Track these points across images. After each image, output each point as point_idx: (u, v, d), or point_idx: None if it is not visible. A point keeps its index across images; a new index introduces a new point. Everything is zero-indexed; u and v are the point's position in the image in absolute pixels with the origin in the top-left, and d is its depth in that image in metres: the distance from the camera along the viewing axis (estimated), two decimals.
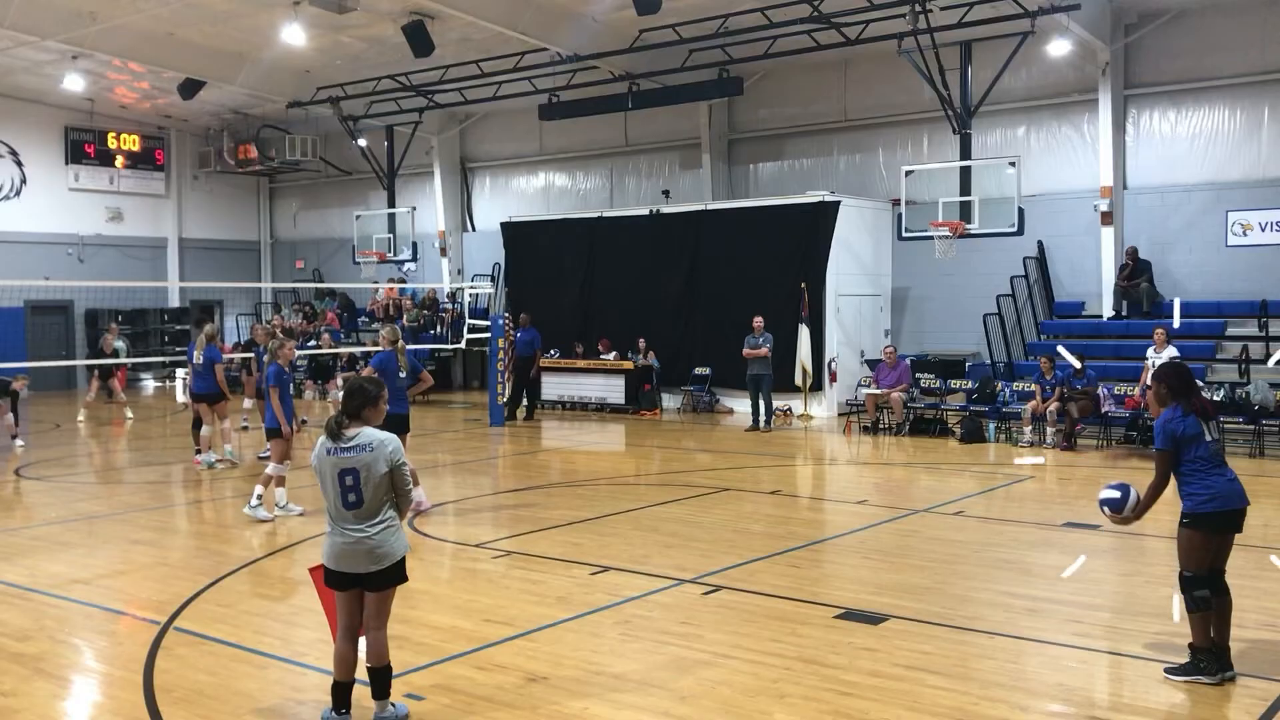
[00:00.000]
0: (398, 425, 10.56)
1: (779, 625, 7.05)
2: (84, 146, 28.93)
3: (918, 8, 17.31)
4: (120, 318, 26.55)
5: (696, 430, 18.77)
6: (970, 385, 17.62)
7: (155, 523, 11.16)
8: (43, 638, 7.02)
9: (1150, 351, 15.33)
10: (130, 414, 20.70)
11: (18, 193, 27.82)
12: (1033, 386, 16.43)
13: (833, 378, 19.77)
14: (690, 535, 9.92)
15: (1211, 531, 6.03)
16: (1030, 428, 16.00)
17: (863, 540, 9.84)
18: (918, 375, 17.93)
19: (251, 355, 17.16)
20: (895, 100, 21.35)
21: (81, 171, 28.95)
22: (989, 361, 19.22)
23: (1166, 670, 6.10)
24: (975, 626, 7.04)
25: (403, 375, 10.90)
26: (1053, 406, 15.73)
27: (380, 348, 11.43)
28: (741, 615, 7.31)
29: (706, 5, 19.08)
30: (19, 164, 27.82)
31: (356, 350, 23.78)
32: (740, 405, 19.83)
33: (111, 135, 29.46)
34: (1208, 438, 6.10)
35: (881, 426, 17.61)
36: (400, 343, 11.18)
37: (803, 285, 19.22)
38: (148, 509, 11.84)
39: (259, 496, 10.83)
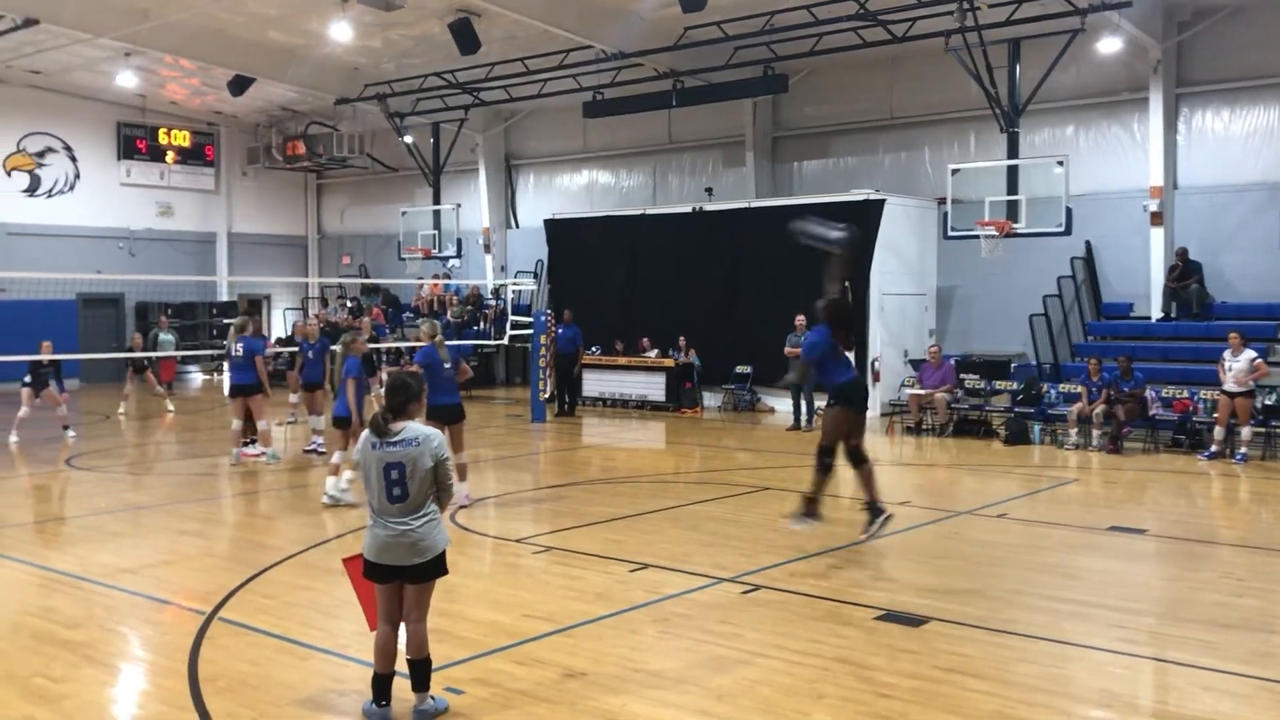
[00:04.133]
0: (451, 415, 10.78)
1: (818, 625, 7.02)
2: (136, 142, 29.40)
3: (965, 5, 17.14)
4: (170, 311, 26.93)
5: (737, 429, 18.73)
6: (1015, 386, 17.44)
7: (201, 514, 11.32)
8: (92, 626, 7.15)
9: (1226, 354, 14.94)
10: (171, 406, 20.95)
11: (71, 187, 28.34)
12: (1079, 388, 16.24)
13: (876, 377, 19.63)
14: (730, 534, 9.91)
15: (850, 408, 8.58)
16: (1076, 430, 15.81)
17: (904, 541, 9.77)
18: (962, 376, 17.78)
19: (296, 349, 17.32)
20: (942, 98, 21.17)
21: (133, 167, 29.43)
22: (1035, 363, 19.01)
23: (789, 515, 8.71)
24: (1017, 630, 6.97)
25: (447, 366, 10.98)
26: (1099, 409, 15.53)
27: (421, 343, 11.53)
28: (781, 615, 7.29)
29: (752, 3, 19.01)
30: (73, 159, 28.34)
31: (401, 345, 23.95)
32: (781, 404, 19.76)
33: (162, 131, 29.91)
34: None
35: (925, 427, 17.48)
36: (439, 336, 11.26)
37: (846, 284, 19.08)
38: (193, 500, 12.01)
39: (345, 481, 11.10)
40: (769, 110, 23.66)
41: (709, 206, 22.38)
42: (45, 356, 16.69)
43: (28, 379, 16.62)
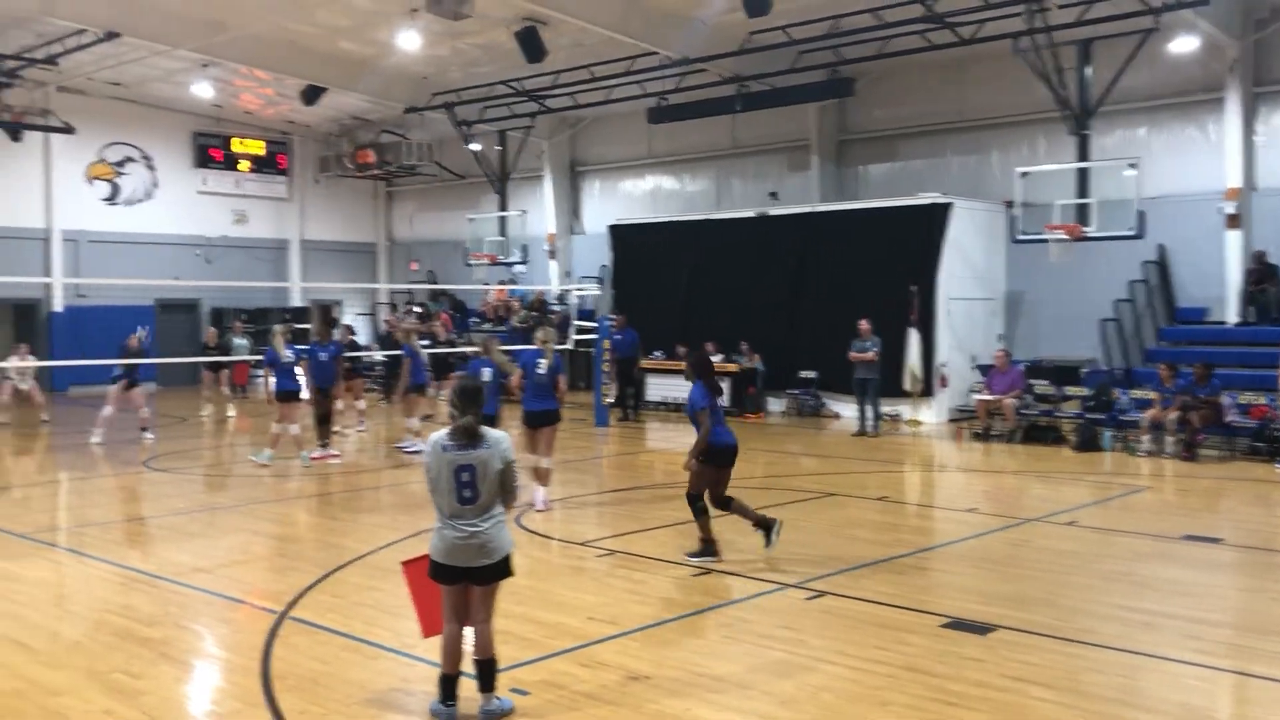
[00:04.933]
0: (547, 420, 11.08)
1: (883, 633, 6.98)
2: (211, 151, 30.08)
3: (1034, 7, 16.92)
4: (244, 316, 27.49)
5: (801, 434, 18.65)
6: (1086, 392, 17.15)
7: (273, 514, 11.56)
8: (168, 623, 7.34)
9: None
10: (232, 411, 21.32)
11: (150, 195, 29.07)
12: (1152, 395, 15.92)
13: (943, 383, 19.43)
14: (795, 539, 9.87)
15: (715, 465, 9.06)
16: (1149, 437, 15.50)
17: (971, 549, 9.67)
18: (1031, 381, 17.52)
19: (373, 352, 17.51)
20: (1010, 100, 20.90)
21: (209, 175, 30.11)
22: (1106, 368, 18.67)
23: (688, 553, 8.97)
24: (1087, 639, 6.87)
25: (541, 373, 11.12)
26: (1173, 415, 15.21)
27: (535, 347, 11.65)
28: (845, 621, 7.26)
29: (817, 6, 18.95)
30: (151, 168, 29.06)
31: (467, 350, 24.20)
32: (846, 410, 19.64)
33: (237, 140, 30.56)
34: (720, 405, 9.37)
35: (993, 433, 17.25)
36: (491, 341, 11.42)
37: (913, 288, 18.95)
38: (265, 501, 12.25)
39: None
40: (834, 114, 23.54)
41: (773, 211, 22.32)
42: (136, 361, 17.20)
43: (118, 373, 17.12)
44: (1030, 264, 19.95)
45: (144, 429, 17.35)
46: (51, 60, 22.55)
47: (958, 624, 7.14)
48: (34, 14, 20.13)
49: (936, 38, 18.86)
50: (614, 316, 21.18)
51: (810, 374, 20.82)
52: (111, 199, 28.41)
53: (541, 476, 11.13)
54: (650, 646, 6.71)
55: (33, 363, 19.70)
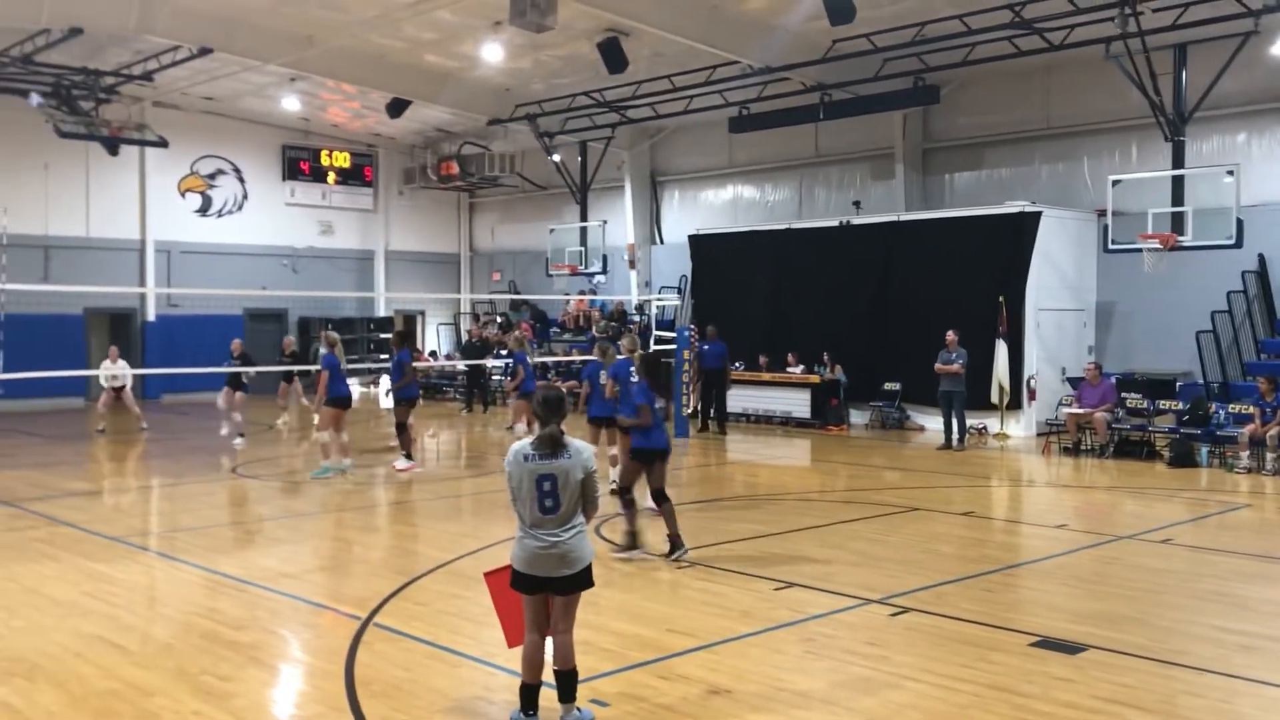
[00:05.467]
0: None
1: (969, 650, 6.82)
2: (299, 164, 30.76)
3: (1127, 10, 16.52)
4: (330, 325, 27.99)
5: (885, 447, 18.40)
6: (1181, 406, 16.65)
7: (358, 521, 11.72)
8: (256, 628, 7.46)
9: None
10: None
11: (240, 207, 29.80)
12: (1251, 409, 15.40)
13: (1031, 396, 19.03)
14: (877, 554, 9.73)
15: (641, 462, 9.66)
16: (1247, 452, 15.00)
17: (1061, 566, 9.43)
18: (1123, 395, 17.07)
19: (511, 359, 17.41)
20: (1102, 107, 20.42)
21: (297, 187, 30.78)
22: (1202, 382, 18.11)
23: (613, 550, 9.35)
24: (1183, 661, 6.64)
25: (635, 381, 11.17)
26: (1273, 431, 14.70)
27: (624, 357, 11.85)
28: (930, 638, 7.12)
29: (902, 13, 18.74)
30: (241, 180, 29.80)
31: (548, 360, 24.35)
32: (932, 422, 19.33)
33: (324, 153, 31.20)
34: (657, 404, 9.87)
35: (1083, 448, 16.85)
36: (637, 351, 11.53)
37: (1001, 299, 18.60)
38: (349, 508, 12.43)
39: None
40: (919, 121, 23.24)
41: (857, 220, 22.11)
42: (242, 369, 17.67)
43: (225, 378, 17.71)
44: (1123, 274, 19.45)
45: (236, 434, 17.78)
46: (148, 76, 23.27)
47: (1046, 643, 6.95)
48: (132, 32, 20.78)
49: (1024, 44, 18.54)
50: (692, 326, 21.13)
51: (894, 386, 20.55)
52: (203, 211, 29.17)
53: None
54: (731, 660, 6.64)
55: (125, 368, 20.11)
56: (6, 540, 10.33)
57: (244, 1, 20.14)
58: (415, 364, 24.30)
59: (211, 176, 29.28)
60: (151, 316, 27.78)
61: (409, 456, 15.09)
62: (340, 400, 14.32)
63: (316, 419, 14.90)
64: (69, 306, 24.69)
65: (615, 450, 12.14)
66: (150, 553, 10.04)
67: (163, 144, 26.20)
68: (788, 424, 21.14)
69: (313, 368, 22.78)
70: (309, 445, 16.98)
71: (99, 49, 22.52)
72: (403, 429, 15.12)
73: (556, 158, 27.71)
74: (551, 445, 5.46)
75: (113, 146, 25.60)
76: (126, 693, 6.05)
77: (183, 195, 28.77)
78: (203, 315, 27.19)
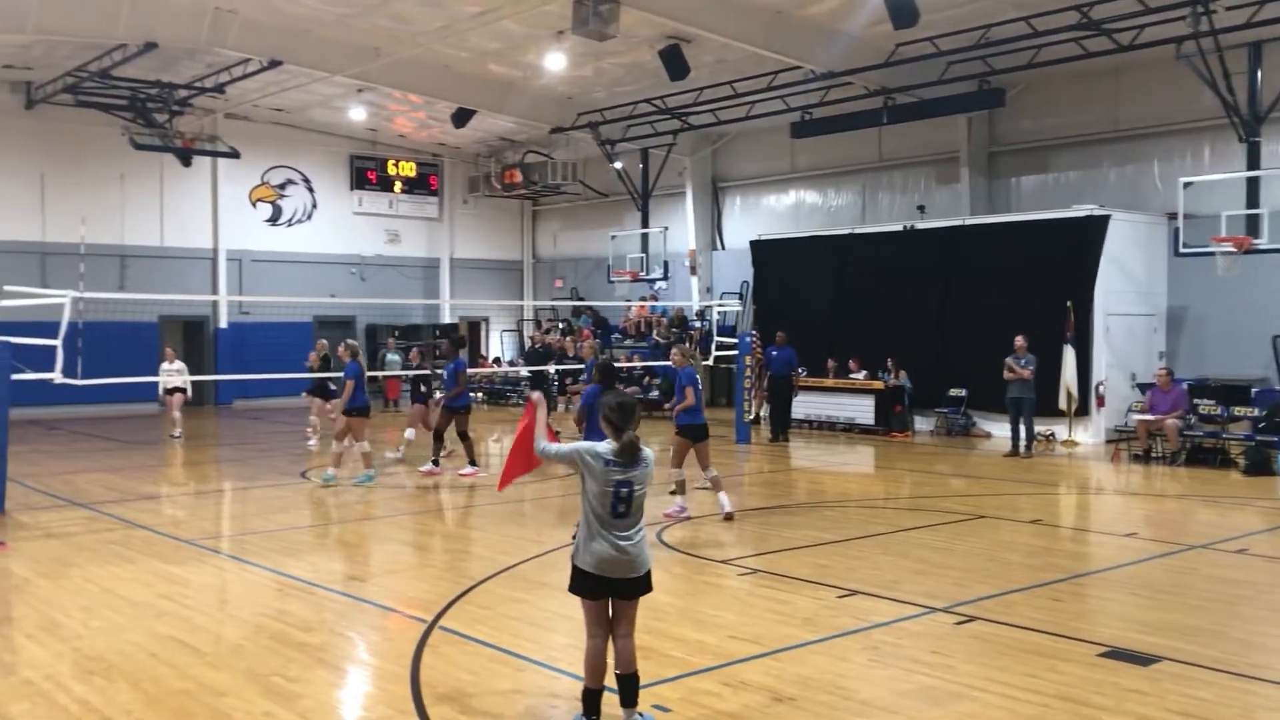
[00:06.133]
0: (700, 433, 11.74)
1: (1037, 660, 6.72)
2: (366, 174, 31.24)
3: (1199, 9, 16.21)
4: (396, 332, 28.36)
5: (950, 454, 18.19)
6: (1256, 413, 16.25)
7: (423, 525, 11.86)
8: (323, 630, 7.58)
9: None
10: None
11: (309, 216, 30.34)
12: None
13: (1100, 402, 18.70)
14: (942, 562, 9.63)
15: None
16: None
17: (1131, 575, 9.25)
18: (1195, 401, 16.70)
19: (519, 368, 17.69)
20: (1172, 108, 20.04)
21: (364, 196, 31.26)
22: (1279, 387, 17.67)
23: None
24: (1262, 675, 6.48)
25: (699, 389, 11.50)
26: None
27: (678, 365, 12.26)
28: (996, 648, 7.03)
29: (966, 16, 18.56)
30: (310, 190, 30.34)
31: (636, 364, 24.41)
32: (998, 429, 19.07)
33: (391, 163, 31.65)
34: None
35: (1154, 455, 16.51)
36: (695, 358, 11.69)
37: (1068, 304, 18.31)
38: (415, 512, 12.58)
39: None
40: (984, 125, 22.98)
41: (921, 225, 21.91)
42: (321, 375, 17.95)
43: (310, 385, 17.97)
44: (1195, 278, 19.07)
45: (308, 438, 18.07)
46: (219, 89, 23.81)
47: (1116, 653, 6.83)
48: (204, 45, 21.26)
49: (1092, 45, 18.27)
50: (754, 332, 21.08)
51: (960, 392, 20.32)
52: (273, 220, 29.74)
53: (717, 484, 11.88)
54: (794, 667, 6.62)
55: (183, 369, 20.33)
56: (84, 542, 10.61)
57: (312, 14, 20.52)
58: (479, 369, 24.55)
59: (281, 186, 29.85)
60: (223, 324, 28.37)
61: (473, 462, 15.25)
62: (360, 409, 14.39)
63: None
64: (144, 314, 25.28)
65: (713, 471, 12.07)
66: (222, 555, 10.25)
67: (234, 155, 26.79)
68: (851, 430, 21.00)
69: (383, 373, 23.15)
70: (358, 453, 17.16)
71: (172, 62, 23.09)
72: (465, 437, 15.27)
73: (618, 165, 27.82)
74: (631, 454, 5.51)
75: (186, 158, 26.25)
76: (199, 693, 6.19)
77: (254, 205, 29.36)
78: (273, 323, 27.71)
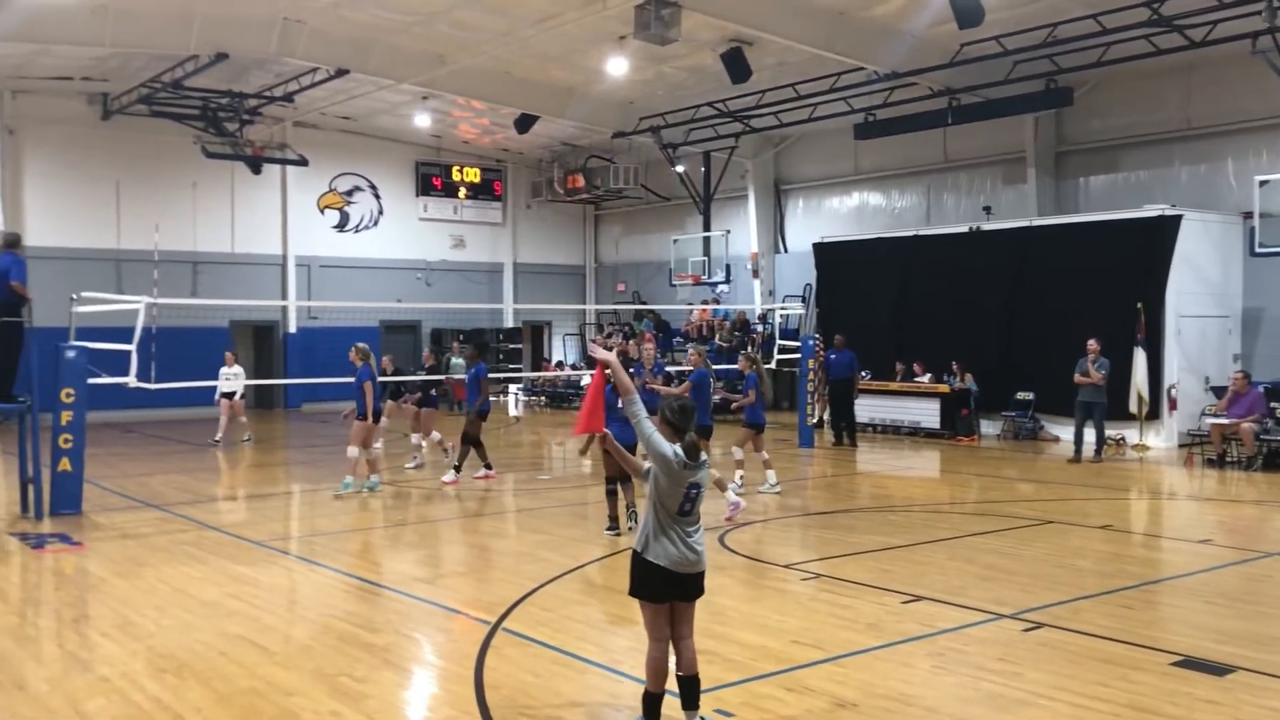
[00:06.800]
0: (706, 434, 12.08)
1: (1107, 669, 6.60)
2: (432, 180, 31.62)
3: (1275, 3, 15.81)
4: (461, 336, 28.62)
5: (1018, 458, 17.93)
6: None
7: (486, 528, 11.96)
8: (389, 630, 7.68)
9: None
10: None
11: (376, 223, 30.78)
12: None
13: (1172, 405, 18.31)
14: (1010, 568, 9.49)
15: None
16: None
17: (1205, 583, 9.04)
18: (1273, 404, 16.28)
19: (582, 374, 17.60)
20: (1247, 105, 19.56)
21: (429, 202, 31.65)
22: None
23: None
24: None
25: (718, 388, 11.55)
26: None
27: (694, 365, 12.81)
28: (1066, 655, 6.91)
29: (1033, 14, 18.30)
30: (377, 196, 30.78)
31: (672, 369, 24.40)
32: (1067, 433, 18.73)
33: (455, 169, 31.99)
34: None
35: (1229, 460, 16.13)
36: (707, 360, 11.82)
37: (1139, 305, 17.96)
38: (479, 515, 12.69)
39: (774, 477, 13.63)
40: (1052, 124, 22.63)
41: (987, 226, 21.65)
42: (395, 379, 18.14)
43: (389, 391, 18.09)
44: (1272, 278, 18.61)
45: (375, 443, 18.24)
46: (288, 97, 24.22)
47: (1190, 662, 6.68)
48: (273, 55, 21.66)
49: (1163, 42, 17.90)
50: (817, 335, 20.95)
51: (1027, 395, 20.02)
52: (341, 226, 30.21)
53: (769, 465, 13.73)
54: (857, 673, 6.56)
55: (240, 373, 20.50)
56: (158, 543, 10.85)
57: (378, 23, 20.80)
58: (543, 372, 24.61)
59: (349, 193, 30.31)
60: (292, 329, 28.87)
61: (488, 466, 15.14)
62: (374, 414, 14.21)
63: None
64: (215, 319, 25.79)
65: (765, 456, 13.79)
66: (290, 556, 10.42)
67: (303, 162, 27.26)
68: (915, 434, 20.78)
69: (455, 377, 23.29)
70: (429, 453, 17.32)
71: (242, 72, 23.56)
72: (472, 440, 14.92)
73: (680, 168, 27.83)
74: (697, 454, 5.57)
75: (256, 165, 26.76)
76: (268, 691, 6.30)
77: (322, 211, 29.84)
78: (341, 327, 28.10)
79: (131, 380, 14.33)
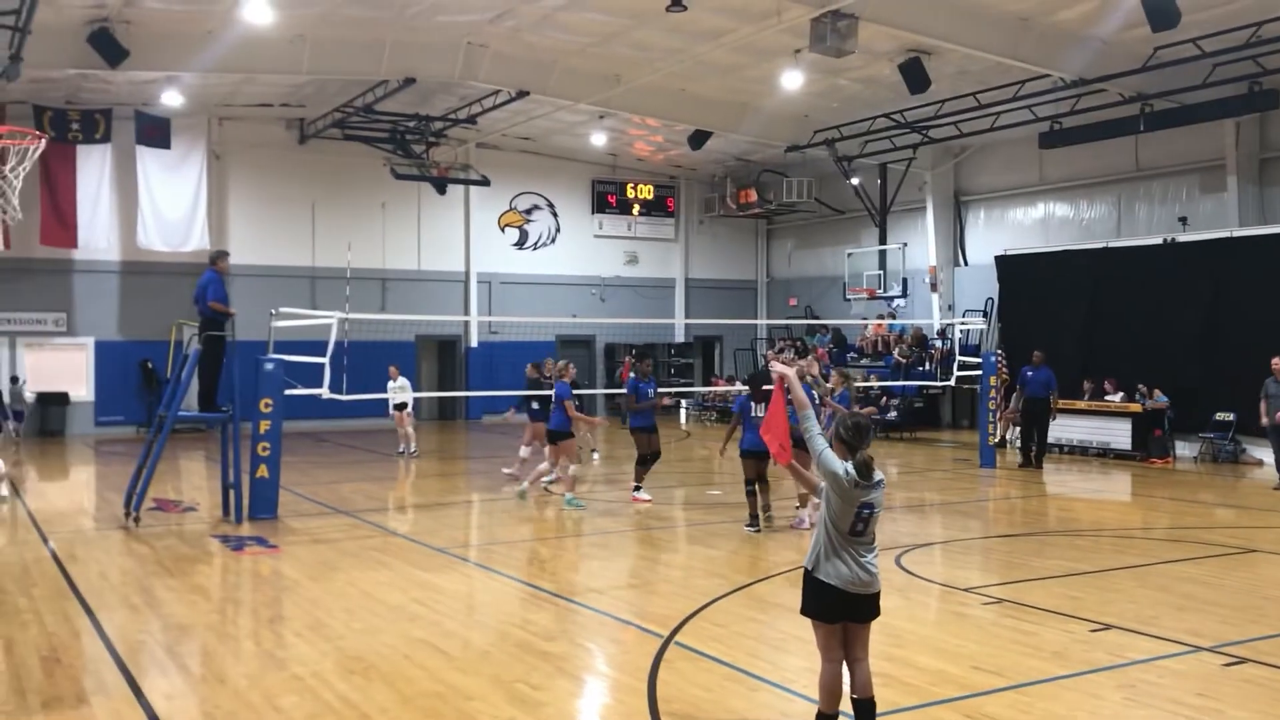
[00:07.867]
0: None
1: None
2: (606, 197, 32.17)
3: None
4: (633, 351, 28.94)
5: (1216, 483, 16.93)
6: None
7: (662, 541, 12.04)
8: (565, 640, 7.81)
9: None
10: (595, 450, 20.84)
11: (553, 240, 31.51)
12: None
13: None
14: (1208, 598, 8.96)
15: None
16: None
17: None
18: None
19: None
20: None
21: (604, 220, 32.19)
22: None
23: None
24: None
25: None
26: None
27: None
28: (1272, 693, 6.48)
29: (1233, 14, 17.31)
30: (554, 214, 31.50)
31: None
32: (1272, 457, 17.58)
33: (629, 186, 32.44)
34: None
35: None
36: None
37: None
38: (656, 528, 12.78)
39: None
40: (1254, 130, 21.33)
41: (1183, 237, 20.58)
42: (538, 392, 18.47)
43: (516, 403, 18.34)
44: None
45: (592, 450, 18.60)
46: (471, 120, 25.06)
47: None
48: (457, 79, 22.44)
49: None
50: (999, 351, 20.29)
51: (1228, 416, 18.89)
52: (520, 244, 31.05)
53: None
54: (1042, 703, 6.31)
55: (406, 385, 20.75)
56: (348, 548, 11.33)
57: (557, 45, 21.30)
58: (714, 388, 24.59)
59: (528, 212, 31.13)
60: (474, 343, 29.79)
61: (636, 488, 14.78)
62: (562, 433, 14.12)
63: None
64: (403, 334, 26.82)
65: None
66: (470, 564, 10.73)
67: (485, 182, 28.16)
68: (1105, 455, 19.87)
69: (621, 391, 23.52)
70: (622, 466, 17.52)
71: (428, 96, 24.48)
72: (640, 459, 14.68)
73: (855, 181, 27.46)
74: (869, 473, 5.46)
75: (441, 186, 27.81)
76: (449, 695, 6.49)
77: (502, 230, 30.73)
78: (519, 342, 28.85)
79: (325, 391, 15.03)
